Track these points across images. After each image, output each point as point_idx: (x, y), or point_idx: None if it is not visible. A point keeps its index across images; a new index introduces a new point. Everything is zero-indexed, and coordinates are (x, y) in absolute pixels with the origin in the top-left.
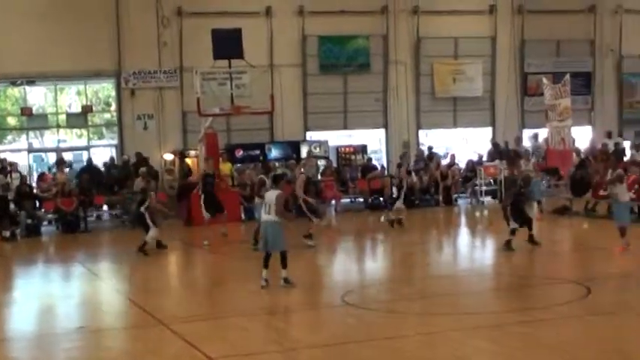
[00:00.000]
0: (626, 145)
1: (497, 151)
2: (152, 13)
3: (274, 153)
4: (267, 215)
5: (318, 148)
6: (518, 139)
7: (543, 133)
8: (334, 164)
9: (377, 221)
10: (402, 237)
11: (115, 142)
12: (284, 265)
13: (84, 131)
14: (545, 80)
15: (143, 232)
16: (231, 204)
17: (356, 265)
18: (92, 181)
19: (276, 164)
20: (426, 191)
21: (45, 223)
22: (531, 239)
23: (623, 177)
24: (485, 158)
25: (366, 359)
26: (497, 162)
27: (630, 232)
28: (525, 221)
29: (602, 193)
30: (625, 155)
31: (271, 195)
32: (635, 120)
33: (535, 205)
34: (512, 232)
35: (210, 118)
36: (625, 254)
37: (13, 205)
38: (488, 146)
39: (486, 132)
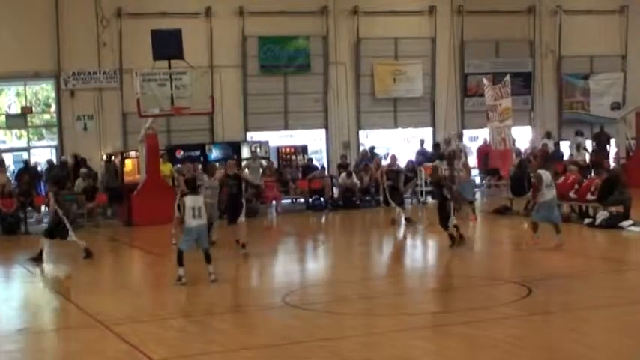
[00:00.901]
0: (565, 145)
1: (438, 152)
2: (91, 13)
3: (215, 154)
4: (198, 219)
5: (258, 149)
6: (448, 141)
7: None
8: (275, 165)
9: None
10: (343, 238)
11: (55, 143)
12: (209, 261)
13: (24, 132)
14: (485, 81)
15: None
16: (172, 205)
17: (297, 265)
18: (32, 182)
19: (217, 165)
20: (367, 192)
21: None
22: (451, 239)
23: (539, 178)
24: (414, 159)
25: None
26: (437, 162)
27: (566, 230)
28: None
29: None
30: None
31: (198, 199)
32: (575, 120)
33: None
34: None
35: (151, 119)
36: (566, 254)
37: None
38: (418, 147)
39: (427, 132)
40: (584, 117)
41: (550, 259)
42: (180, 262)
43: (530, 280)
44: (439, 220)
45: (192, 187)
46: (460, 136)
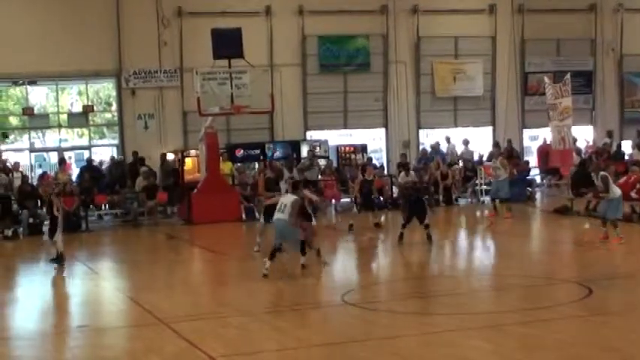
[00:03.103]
0: (626, 144)
1: (499, 151)
2: (152, 13)
3: (275, 152)
4: (280, 214)
5: (318, 148)
6: (467, 142)
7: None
8: (334, 164)
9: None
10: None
11: (116, 141)
12: (303, 253)
13: (85, 131)
14: (546, 79)
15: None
16: (232, 204)
17: (356, 264)
18: (93, 180)
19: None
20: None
21: (46, 222)
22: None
23: (607, 177)
24: (485, 158)
25: (365, 359)
26: (493, 162)
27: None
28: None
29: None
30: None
31: (289, 198)
32: (637, 119)
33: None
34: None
35: (211, 118)
36: (628, 254)
37: (16, 204)
38: (489, 147)
39: (487, 131)
40: None
41: (611, 260)
42: (271, 256)
43: (590, 280)
44: (407, 218)
45: (294, 188)
46: (466, 143)
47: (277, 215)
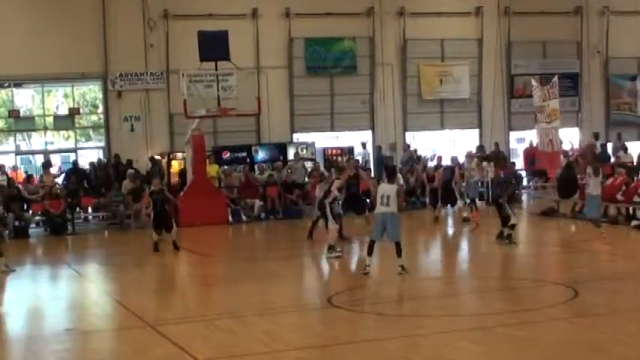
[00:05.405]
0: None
1: (483, 154)
2: (138, 15)
3: (261, 155)
4: (385, 207)
5: (304, 150)
6: (408, 146)
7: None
8: (321, 166)
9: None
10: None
11: (102, 144)
12: (399, 254)
13: (71, 133)
14: (534, 82)
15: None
16: (218, 206)
17: (342, 266)
18: (79, 183)
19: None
20: (412, 193)
21: (33, 225)
22: (500, 235)
23: (598, 169)
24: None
25: None
26: (484, 164)
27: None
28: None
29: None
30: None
31: (391, 188)
32: (622, 121)
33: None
34: (512, 227)
35: (197, 120)
36: (613, 256)
37: (1, 207)
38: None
39: (473, 134)
40: (632, 118)
41: (596, 261)
42: (369, 251)
43: (576, 282)
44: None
45: (389, 176)
46: (407, 148)
47: (382, 209)
